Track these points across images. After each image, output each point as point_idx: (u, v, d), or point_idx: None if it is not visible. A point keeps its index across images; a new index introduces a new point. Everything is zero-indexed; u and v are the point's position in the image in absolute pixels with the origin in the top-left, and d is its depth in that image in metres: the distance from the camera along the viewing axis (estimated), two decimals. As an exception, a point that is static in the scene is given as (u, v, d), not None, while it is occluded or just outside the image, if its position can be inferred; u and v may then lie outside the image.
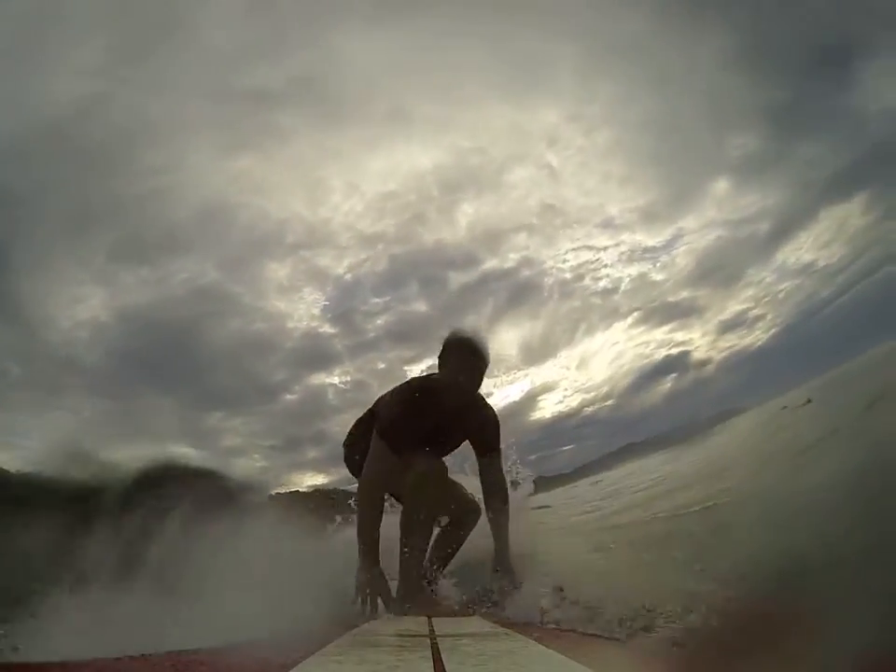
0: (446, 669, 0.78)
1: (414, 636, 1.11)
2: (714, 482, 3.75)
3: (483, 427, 2.20)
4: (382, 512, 1.96)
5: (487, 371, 2.07)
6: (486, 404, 2.26)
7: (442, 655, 0.87)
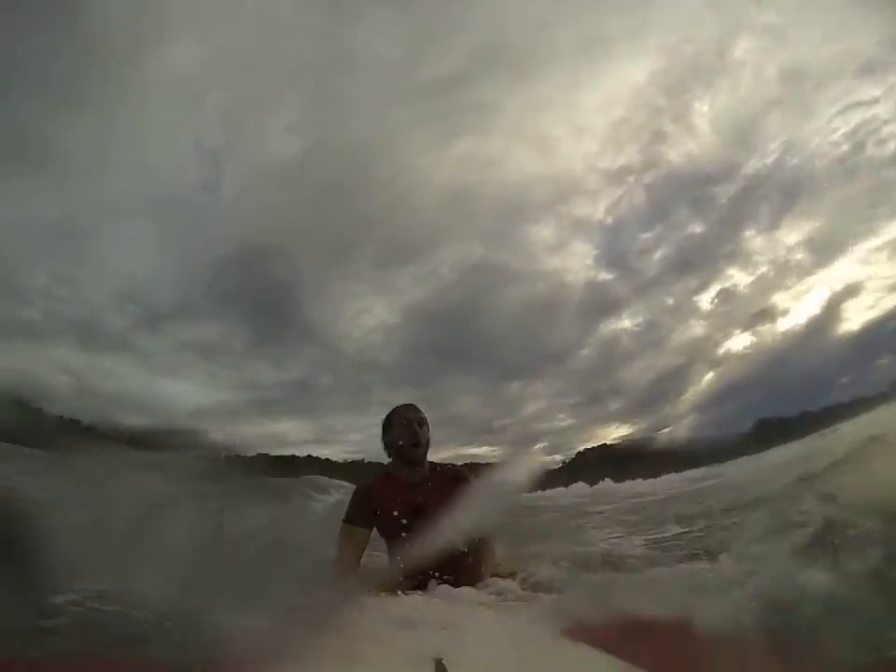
0: (446, 669, 0.80)
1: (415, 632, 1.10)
2: None
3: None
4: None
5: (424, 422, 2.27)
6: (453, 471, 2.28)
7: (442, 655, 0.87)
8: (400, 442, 2.17)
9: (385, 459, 2.27)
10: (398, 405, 2.32)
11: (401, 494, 2.12)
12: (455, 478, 2.21)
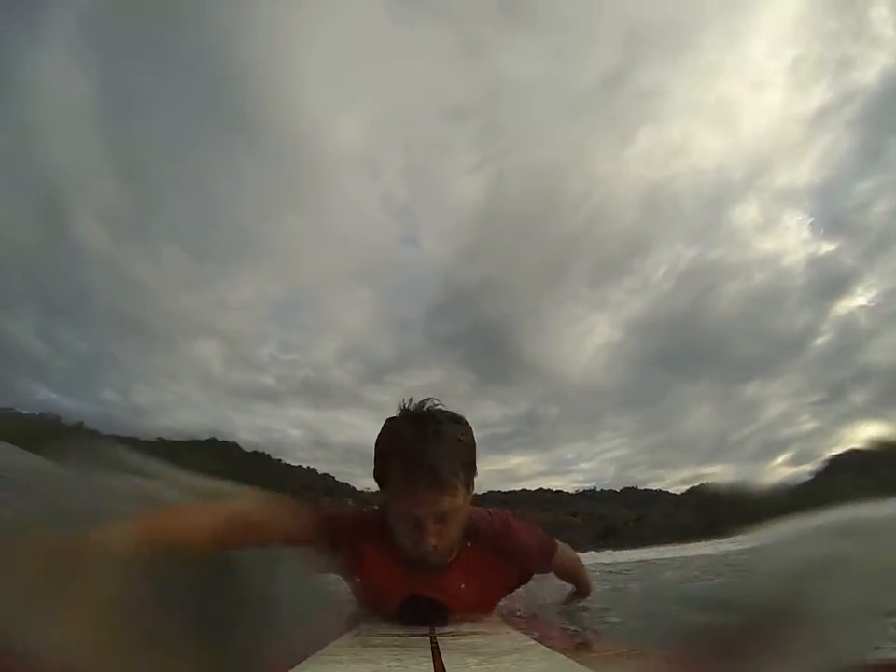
0: (446, 669, 0.76)
1: (414, 635, 1.11)
2: None
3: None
4: None
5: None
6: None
7: (442, 655, 0.86)
8: (396, 534, 1.22)
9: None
10: (406, 441, 1.17)
11: (399, 575, 1.27)
12: (513, 557, 1.35)
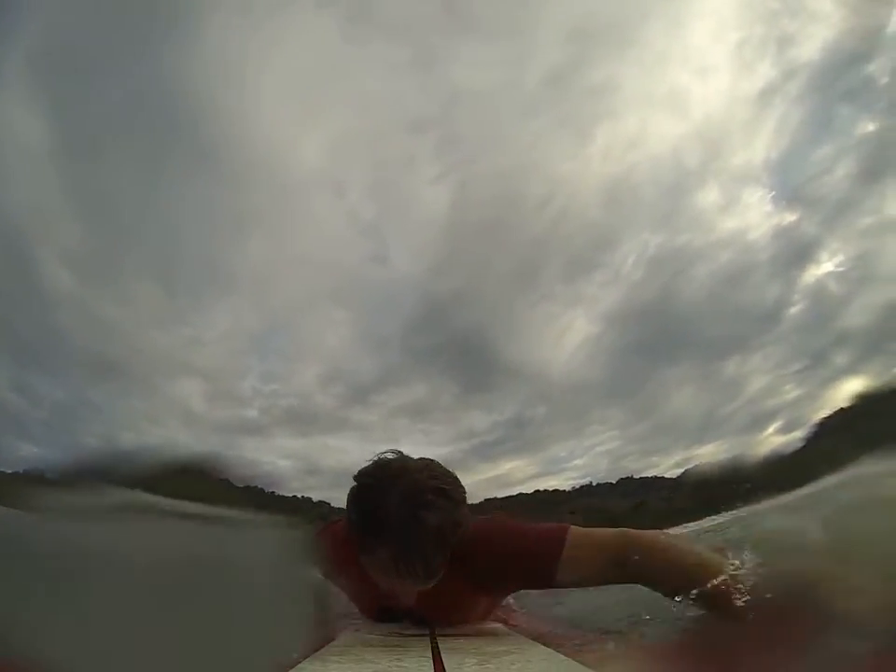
0: (446, 669, 0.76)
1: (414, 635, 1.10)
2: None
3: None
4: None
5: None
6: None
7: (442, 655, 0.86)
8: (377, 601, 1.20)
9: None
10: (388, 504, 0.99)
11: (371, 586, 1.14)
12: (504, 568, 1.16)
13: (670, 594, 1.05)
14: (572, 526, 1.15)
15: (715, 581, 0.99)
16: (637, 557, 1.07)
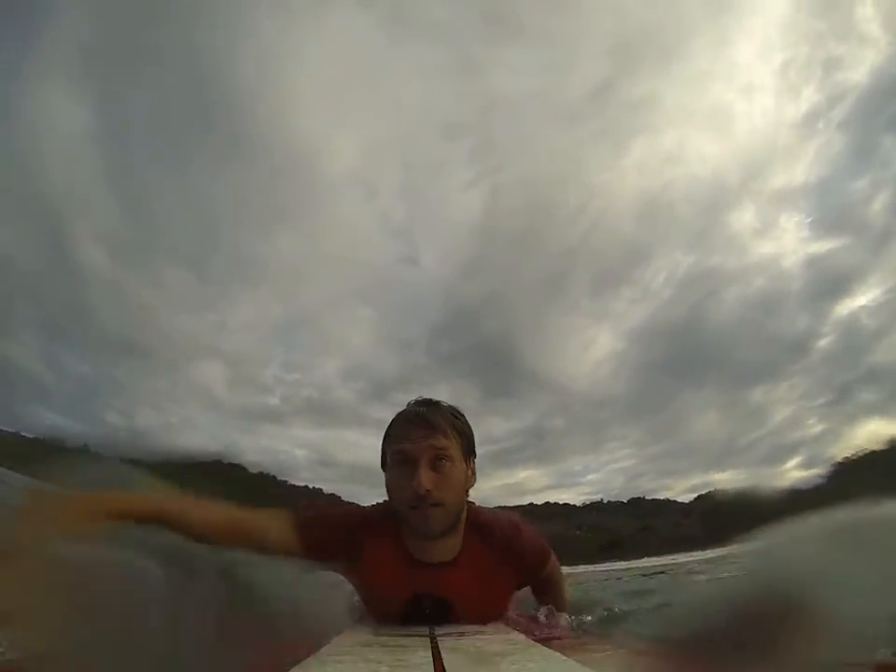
0: (446, 669, 0.76)
1: (415, 635, 1.11)
2: None
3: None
4: None
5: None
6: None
7: (442, 655, 0.86)
8: (395, 499, 1.25)
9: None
10: (405, 408, 1.31)
11: (404, 573, 1.26)
12: (519, 557, 1.31)
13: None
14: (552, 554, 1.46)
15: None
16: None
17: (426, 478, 1.15)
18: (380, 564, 1.27)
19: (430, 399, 1.33)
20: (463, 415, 1.34)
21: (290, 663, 0.77)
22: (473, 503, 1.34)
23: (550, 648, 0.92)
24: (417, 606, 1.25)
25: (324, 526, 1.28)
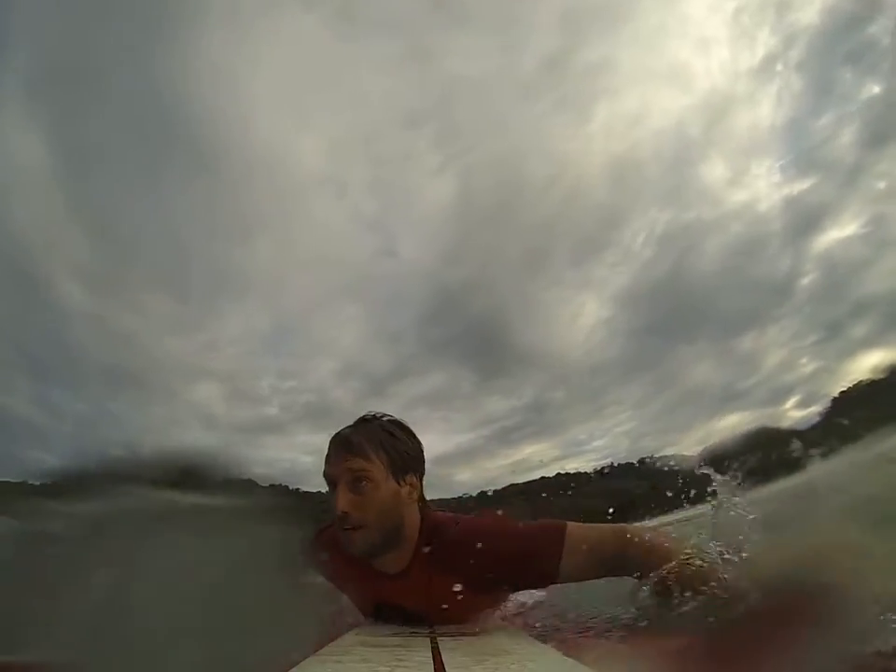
0: (446, 669, 0.76)
1: (415, 635, 1.11)
2: None
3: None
4: None
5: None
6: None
7: (443, 654, 0.86)
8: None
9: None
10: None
11: (367, 583, 1.29)
12: (499, 565, 1.17)
13: (642, 578, 1.15)
14: (569, 524, 1.19)
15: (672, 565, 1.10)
16: (633, 551, 1.14)
17: (342, 500, 1.15)
18: (342, 573, 1.34)
19: (367, 417, 1.29)
20: (404, 429, 1.30)
21: (290, 663, 0.77)
22: (436, 511, 1.32)
23: (550, 647, 0.92)
24: (380, 614, 1.31)
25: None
